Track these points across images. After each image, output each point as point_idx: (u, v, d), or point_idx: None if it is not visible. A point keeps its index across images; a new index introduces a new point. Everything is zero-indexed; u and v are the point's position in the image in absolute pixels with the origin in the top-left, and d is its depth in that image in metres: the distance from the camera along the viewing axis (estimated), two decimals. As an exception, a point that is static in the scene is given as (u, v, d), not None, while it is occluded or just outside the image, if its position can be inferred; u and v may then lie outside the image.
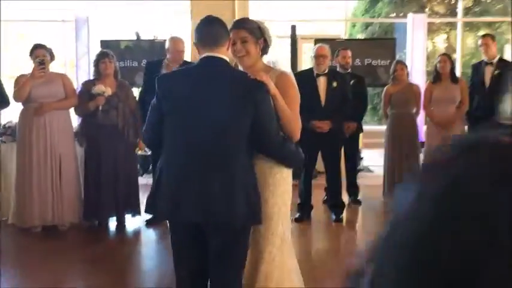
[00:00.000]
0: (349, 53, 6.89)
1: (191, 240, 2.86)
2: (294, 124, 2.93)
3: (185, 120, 2.78)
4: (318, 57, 6.02)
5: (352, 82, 6.67)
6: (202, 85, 2.78)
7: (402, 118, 6.84)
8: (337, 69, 6.82)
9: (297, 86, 3.07)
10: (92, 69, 5.93)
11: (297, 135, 2.95)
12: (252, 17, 10.27)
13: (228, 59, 2.86)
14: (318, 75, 6.03)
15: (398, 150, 6.80)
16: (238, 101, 2.72)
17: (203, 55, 2.84)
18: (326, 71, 6.06)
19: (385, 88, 7.08)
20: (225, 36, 2.86)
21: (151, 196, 2.88)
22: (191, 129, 2.77)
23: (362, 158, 8.67)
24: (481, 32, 15.49)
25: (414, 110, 6.86)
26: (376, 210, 6.89)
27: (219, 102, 2.71)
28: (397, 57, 9.69)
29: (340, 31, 15.11)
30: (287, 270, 3.03)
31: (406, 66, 6.97)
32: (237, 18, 9.78)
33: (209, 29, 2.85)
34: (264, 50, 3.08)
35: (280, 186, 2.97)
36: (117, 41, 9.67)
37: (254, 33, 3.00)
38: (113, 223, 5.92)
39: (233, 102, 2.72)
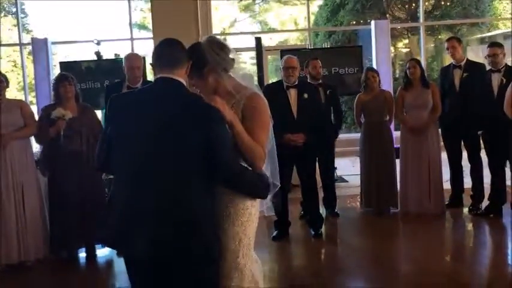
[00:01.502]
0: (319, 63, 6.78)
1: (144, 278, 2.64)
2: (255, 152, 2.63)
3: (132, 146, 2.56)
4: (287, 68, 5.87)
5: (329, 92, 6.56)
6: (151, 109, 2.55)
7: (376, 126, 6.73)
8: (308, 80, 6.69)
9: (267, 109, 2.74)
10: (52, 93, 5.65)
11: (258, 163, 2.65)
12: (215, 31, 10.14)
13: (184, 82, 2.64)
14: (288, 87, 5.87)
15: (375, 159, 6.68)
16: (187, 128, 2.48)
17: (157, 76, 2.66)
18: (296, 83, 5.91)
19: (357, 97, 6.96)
20: (183, 59, 2.66)
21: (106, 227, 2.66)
22: (137, 158, 2.54)
23: (336, 168, 8.52)
24: (443, 35, 15.68)
25: (387, 117, 6.76)
26: (355, 222, 6.75)
27: (167, 129, 2.49)
28: (364, 64, 9.66)
29: (303, 41, 15.09)
30: None
31: (378, 74, 6.87)
32: (200, 34, 9.73)
33: (167, 51, 2.67)
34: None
35: (241, 216, 2.71)
36: (78, 62, 9.38)
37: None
38: (82, 254, 5.63)
39: (182, 128, 2.48)
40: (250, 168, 2.67)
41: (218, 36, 2.91)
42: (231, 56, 2.78)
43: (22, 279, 5.17)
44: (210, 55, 2.71)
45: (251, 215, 2.75)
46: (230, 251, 2.71)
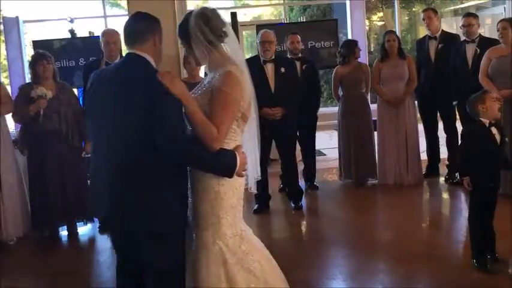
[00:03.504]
0: (299, 37, 6.77)
1: (121, 247, 2.86)
2: (203, 131, 2.57)
3: (97, 121, 2.73)
4: (264, 43, 5.88)
5: (304, 67, 6.56)
6: (110, 85, 2.66)
7: (354, 99, 6.78)
8: (288, 55, 6.69)
9: (234, 89, 2.63)
10: (27, 72, 5.58)
11: (207, 142, 2.57)
12: (190, 7, 10.04)
13: (147, 57, 2.68)
14: (265, 61, 5.88)
15: (354, 132, 6.75)
16: (132, 102, 2.54)
17: (126, 52, 2.77)
18: (273, 57, 5.92)
19: (334, 70, 7.00)
20: (145, 33, 2.70)
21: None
22: (102, 132, 2.70)
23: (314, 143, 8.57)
24: (417, 8, 15.76)
25: (364, 90, 6.81)
26: (334, 193, 6.83)
27: (123, 103, 2.58)
28: (340, 38, 9.69)
29: (277, 16, 15.02)
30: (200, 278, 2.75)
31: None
32: (176, 10, 9.63)
33: (131, 27, 2.74)
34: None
35: (207, 194, 2.72)
36: (51, 41, 9.22)
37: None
38: (64, 232, 5.63)
39: (127, 103, 2.56)
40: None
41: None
42: (223, 29, 2.74)
43: (4, 256, 5.16)
44: (193, 30, 2.71)
45: (218, 194, 2.72)
46: (200, 228, 2.76)
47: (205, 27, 2.70)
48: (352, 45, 6.88)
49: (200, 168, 2.70)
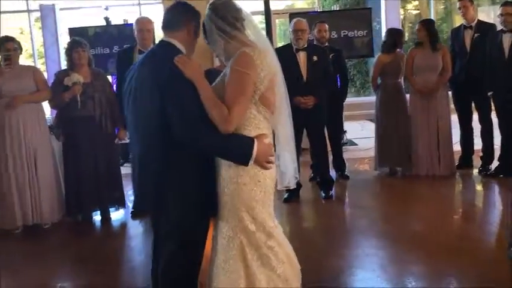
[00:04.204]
0: (326, 26, 6.73)
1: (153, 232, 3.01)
2: (213, 112, 2.52)
3: (128, 107, 2.81)
4: (297, 31, 5.86)
5: (331, 56, 6.52)
6: (141, 71, 2.72)
7: (393, 88, 6.72)
8: (315, 43, 6.66)
9: (247, 70, 2.56)
10: (62, 58, 5.68)
11: (219, 125, 2.52)
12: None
13: (177, 45, 2.71)
14: (298, 50, 5.87)
15: (392, 121, 6.69)
16: (150, 87, 2.60)
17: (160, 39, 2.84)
18: (305, 46, 5.90)
19: (376, 58, 6.94)
20: (180, 21, 2.74)
21: None
22: (130, 118, 2.81)
23: (345, 132, 8.55)
24: (452, -4, 15.46)
25: (401, 79, 6.75)
26: (365, 184, 6.79)
27: (140, 89, 2.68)
28: (374, 27, 9.59)
29: (311, 4, 14.91)
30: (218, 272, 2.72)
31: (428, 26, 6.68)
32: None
33: (167, 15, 2.80)
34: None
35: (229, 184, 2.66)
36: (86, 28, 9.34)
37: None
38: (97, 217, 5.73)
39: (146, 89, 2.63)
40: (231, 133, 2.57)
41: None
42: (237, 16, 2.68)
43: (38, 240, 5.29)
44: (206, 22, 2.71)
45: (238, 185, 2.65)
46: (221, 220, 2.72)
47: (216, 18, 2.67)
48: (397, 33, 6.81)
49: (211, 152, 2.67)
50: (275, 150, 2.81)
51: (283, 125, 2.85)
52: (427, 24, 6.68)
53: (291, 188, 3.06)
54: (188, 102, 2.54)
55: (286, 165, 2.87)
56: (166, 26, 2.77)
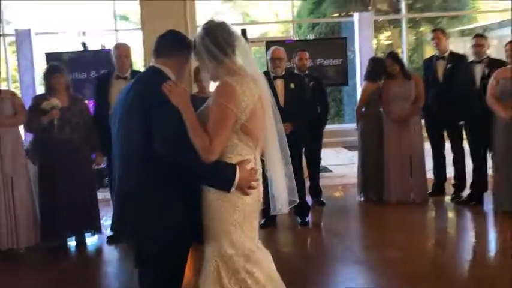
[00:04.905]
0: (307, 54, 6.85)
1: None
2: (196, 141, 2.54)
3: (115, 131, 2.83)
4: (274, 60, 5.95)
5: (311, 84, 6.62)
6: (128, 95, 2.76)
7: (376, 117, 6.86)
8: (295, 71, 6.76)
9: (227, 100, 2.58)
10: (38, 83, 5.67)
11: (201, 153, 2.54)
12: (200, 22, 10.14)
13: (165, 70, 2.74)
14: (275, 77, 5.94)
15: (375, 150, 6.80)
16: (136, 113, 2.65)
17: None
18: (283, 74, 5.99)
19: (363, 86, 7.06)
20: (172, 50, 2.78)
21: None
22: (116, 142, 2.83)
23: (320, 159, 8.60)
24: (424, 28, 15.82)
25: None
26: (340, 210, 6.85)
27: (125, 114, 2.73)
28: (348, 56, 9.76)
29: (285, 32, 15.09)
30: None
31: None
32: (189, 23, 9.73)
33: (160, 40, 2.83)
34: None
35: (207, 211, 2.69)
36: (62, 53, 9.33)
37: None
38: (72, 243, 5.67)
39: (132, 114, 2.68)
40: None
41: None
42: (230, 42, 2.69)
43: (12, 266, 5.22)
44: (198, 45, 2.71)
45: (217, 210, 2.67)
46: (205, 243, 2.74)
47: (208, 41, 2.68)
48: (383, 62, 6.92)
49: (195, 177, 2.67)
50: (266, 173, 2.84)
51: (272, 150, 2.85)
52: (396, 57, 6.85)
53: (284, 212, 3.06)
54: (173, 126, 2.57)
55: (279, 189, 2.87)
56: (157, 52, 2.80)
